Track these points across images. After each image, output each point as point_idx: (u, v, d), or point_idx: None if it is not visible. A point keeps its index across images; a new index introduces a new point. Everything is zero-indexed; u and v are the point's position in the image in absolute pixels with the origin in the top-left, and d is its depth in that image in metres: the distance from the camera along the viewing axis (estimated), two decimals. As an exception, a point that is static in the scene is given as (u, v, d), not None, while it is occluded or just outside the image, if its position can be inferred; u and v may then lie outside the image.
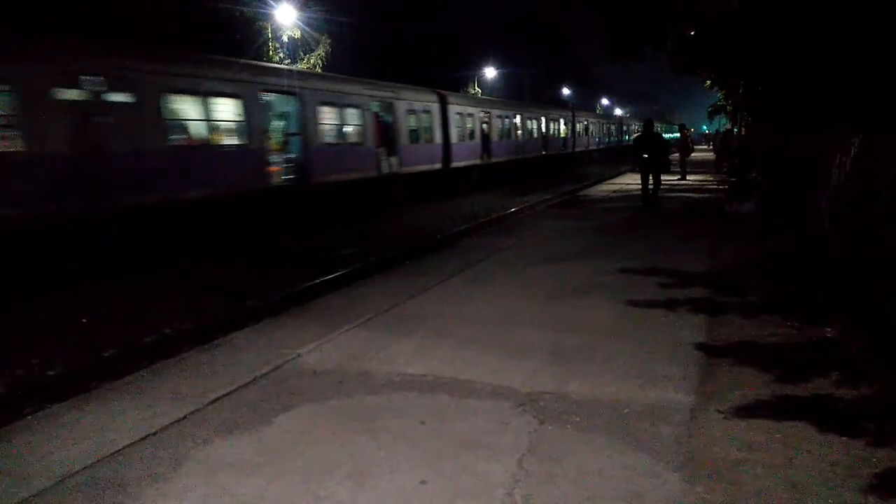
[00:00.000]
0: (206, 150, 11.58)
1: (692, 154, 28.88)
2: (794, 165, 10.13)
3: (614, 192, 20.56)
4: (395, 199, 17.18)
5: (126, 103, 10.00)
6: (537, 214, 15.38)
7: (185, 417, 4.22)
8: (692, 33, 14.27)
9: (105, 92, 9.72)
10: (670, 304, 6.52)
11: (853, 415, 3.91)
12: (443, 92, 20.75)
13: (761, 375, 4.58)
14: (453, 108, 20.78)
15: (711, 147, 43.61)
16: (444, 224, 13.59)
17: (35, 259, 8.64)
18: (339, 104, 15.21)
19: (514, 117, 27.33)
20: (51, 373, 5.82)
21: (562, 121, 36.35)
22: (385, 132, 17.05)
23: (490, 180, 23.22)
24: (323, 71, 22.32)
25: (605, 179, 26.70)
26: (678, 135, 26.77)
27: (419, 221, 14.37)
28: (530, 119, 29.84)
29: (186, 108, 11.30)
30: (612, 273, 8.10)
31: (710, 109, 37.12)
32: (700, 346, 5.25)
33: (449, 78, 36.92)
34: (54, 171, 8.90)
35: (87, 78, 9.47)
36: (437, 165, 19.93)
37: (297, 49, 23.66)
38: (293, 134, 14.17)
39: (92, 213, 9.36)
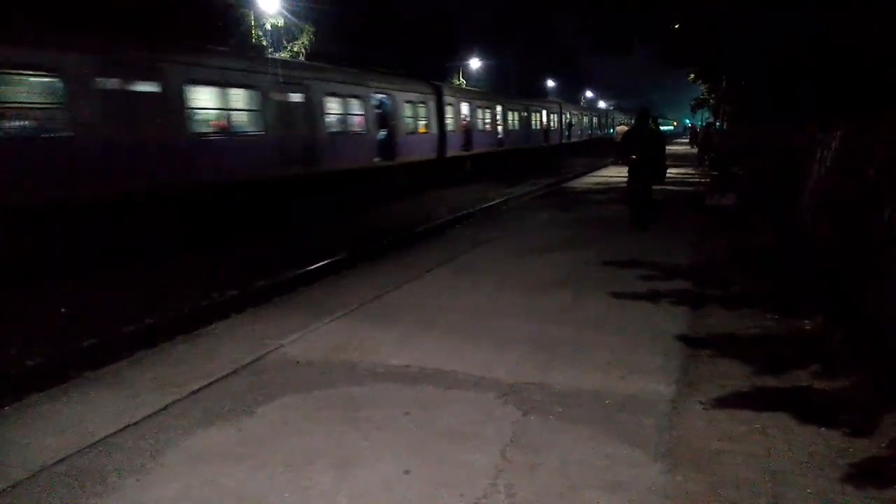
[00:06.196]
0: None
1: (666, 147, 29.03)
2: (776, 159, 10.23)
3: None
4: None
5: None
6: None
7: (166, 408, 4.18)
8: (677, 27, 14.30)
9: None
10: (652, 296, 6.56)
11: (831, 406, 3.96)
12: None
13: (742, 367, 4.63)
14: None
15: (691, 140, 43.86)
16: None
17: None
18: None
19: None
20: (30, 363, 5.77)
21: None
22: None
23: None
24: (307, 60, 22.08)
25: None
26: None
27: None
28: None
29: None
30: (595, 265, 8.14)
31: (693, 103, 37.49)
32: (682, 338, 5.30)
33: (437, 68, 36.60)
34: None
35: None
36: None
37: (280, 37, 23.39)
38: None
39: None
